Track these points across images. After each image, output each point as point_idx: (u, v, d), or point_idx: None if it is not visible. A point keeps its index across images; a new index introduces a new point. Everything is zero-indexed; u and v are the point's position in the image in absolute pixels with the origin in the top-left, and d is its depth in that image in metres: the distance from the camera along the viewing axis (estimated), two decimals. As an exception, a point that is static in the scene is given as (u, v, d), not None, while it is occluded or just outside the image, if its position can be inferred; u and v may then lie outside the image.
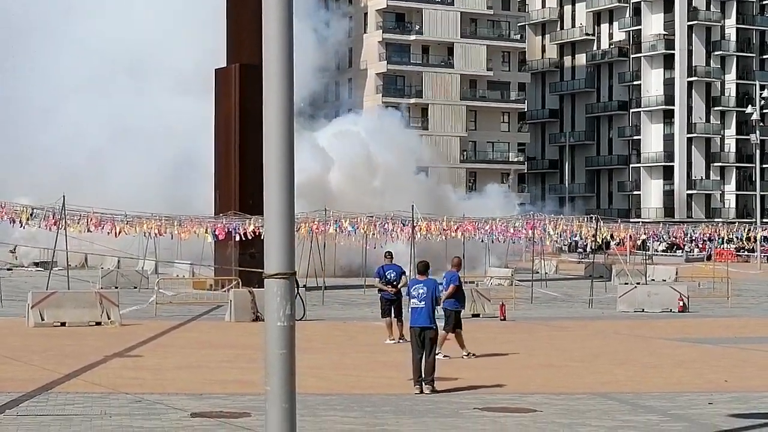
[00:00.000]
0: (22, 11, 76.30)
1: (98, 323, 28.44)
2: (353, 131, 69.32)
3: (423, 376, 16.84)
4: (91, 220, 42.24)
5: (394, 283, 24.84)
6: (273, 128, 9.46)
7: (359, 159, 65.61)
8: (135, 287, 45.98)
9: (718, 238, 59.06)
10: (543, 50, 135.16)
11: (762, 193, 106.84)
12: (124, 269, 51.57)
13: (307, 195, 49.11)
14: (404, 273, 25.64)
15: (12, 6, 76.31)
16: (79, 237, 44.23)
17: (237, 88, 46.16)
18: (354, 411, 15.05)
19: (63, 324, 28.10)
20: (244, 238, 42.83)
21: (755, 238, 64.87)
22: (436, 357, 17.89)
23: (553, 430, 13.70)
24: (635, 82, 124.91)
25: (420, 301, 16.77)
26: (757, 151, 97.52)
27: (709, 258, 79.90)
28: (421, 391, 16.79)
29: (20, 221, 41.41)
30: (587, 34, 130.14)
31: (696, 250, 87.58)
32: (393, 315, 24.90)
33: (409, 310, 17.09)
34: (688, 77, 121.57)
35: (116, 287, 40.90)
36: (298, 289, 9.55)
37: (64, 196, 38.93)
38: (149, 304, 34.26)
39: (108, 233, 44.07)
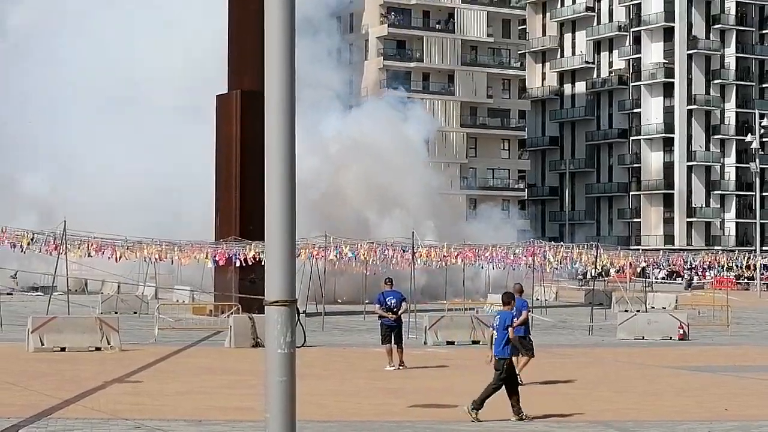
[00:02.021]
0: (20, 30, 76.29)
1: (98, 348, 28.42)
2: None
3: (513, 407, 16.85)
4: (91, 245, 42.32)
5: (395, 309, 24.84)
6: (274, 155, 9.49)
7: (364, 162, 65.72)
8: (135, 312, 45.91)
9: (718, 266, 59.11)
10: (543, 78, 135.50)
11: (762, 221, 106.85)
12: (124, 294, 51.54)
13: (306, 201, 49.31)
14: (404, 299, 25.65)
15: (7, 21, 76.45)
16: (79, 262, 44.31)
17: (238, 114, 46.27)
18: (354, 438, 15.03)
19: (63, 349, 28.08)
20: (244, 264, 42.86)
21: (755, 266, 64.95)
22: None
23: (552, 458, 13.69)
24: (635, 110, 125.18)
25: (496, 332, 16.99)
26: (757, 179, 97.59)
27: (689, 286, 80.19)
28: (475, 419, 16.68)
29: (21, 246, 41.48)
30: (587, 63, 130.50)
31: (696, 277, 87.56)
32: (393, 341, 24.87)
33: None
34: (687, 105, 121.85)
35: (116, 312, 40.87)
36: (298, 316, 9.55)
37: (65, 221, 38.99)
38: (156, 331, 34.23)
39: (108, 258, 44.16)
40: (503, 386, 16.97)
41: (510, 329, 16.93)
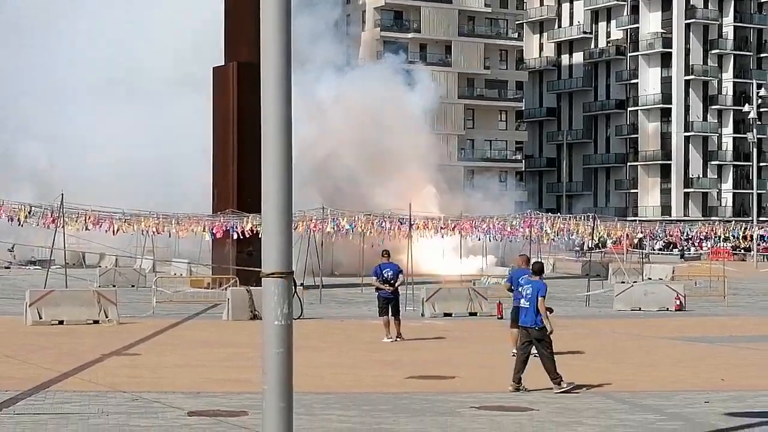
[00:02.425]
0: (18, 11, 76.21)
1: (96, 321, 28.47)
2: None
3: (551, 377, 16.84)
4: (89, 218, 42.28)
5: (392, 281, 24.88)
6: (271, 127, 9.49)
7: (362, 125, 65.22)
8: (133, 285, 46.01)
9: (715, 237, 59.14)
10: (541, 48, 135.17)
11: (759, 191, 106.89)
12: (122, 267, 51.58)
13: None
14: (401, 271, 25.68)
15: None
16: (77, 235, 44.30)
17: (235, 87, 46.16)
18: (351, 410, 15.09)
19: (61, 322, 28.14)
20: (241, 237, 42.87)
21: (752, 236, 64.98)
22: (513, 356, 18.80)
23: (549, 429, 13.75)
24: (633, 81, 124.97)
25: (527, 302, 16.91)
26: (754, 150, 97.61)
27: (682, 256, 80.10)
28: (517, 390, 16.76)
29: (18, 219, 41.45)
30: (585, 33, 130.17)
31: (692, 248, 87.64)
32: (390, 313, 24.94)
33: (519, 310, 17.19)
34: (685, 76, 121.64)
35: (114, 285, 40.91)
36: (295, 288, 9.57)
37: (62, 194, 38.95)
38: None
39: (106, 231, 44.14)
40: (529, 354, 16.95)
41: (541, 300, 16.79)
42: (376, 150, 65.85)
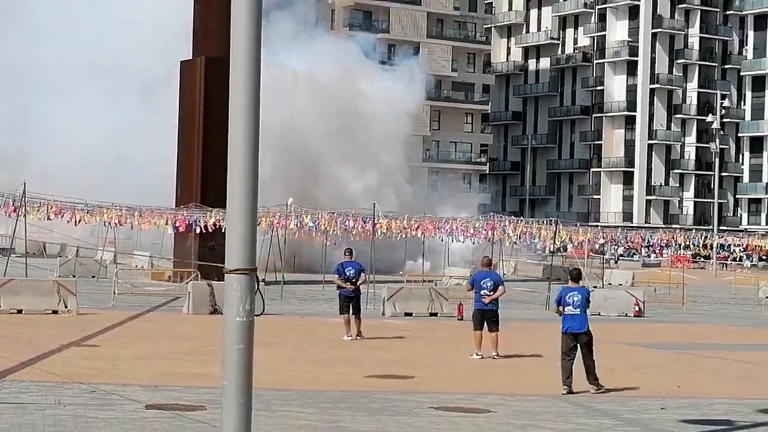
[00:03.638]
0: None
1: (55, 312, 28.34)
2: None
3: (588, 378, 17.28)
4: (51, 207, 42.06)
5: (353, 280, 24.91)
6: (239, 122, 9.49)
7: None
8: (93, 276, 45.80)
9: (675, 245, 59.55)
10: (508, 53, 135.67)
11: (720, 201, 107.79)
12: (83, 258, 51.33)
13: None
14: (363, 270, 25.72)
15: None
16: (39, 224, 44.04)
17: (202, 81, 46.05)
18: (310, 407, 15.10)
19: (20, 311, 27.99)
20: (204, 231, 42.78)
21: (712, 245, 65.52)
22: (472, 357, 20.81)
23: (507, 431, 13.82)
24: (598, 88, 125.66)
25: (576, 308, 17.25)
26: (717, 160, 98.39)
27: (616, 261, 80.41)
28: (569, 392, 17.10)
29: (-21, 207, 41.14)
30: (552, 39, 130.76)
31: (653, 255, 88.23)
32: (351, 312, 24.97)
33: (563, 317, 17.45)
34: (650, 84, 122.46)
35: (74, 276, 40.69)
36: (258, 285, 9.59)
37: (24, 183, 38.72)
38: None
39: (68, 221, 43.92)
40: (574, 359, 17.35)
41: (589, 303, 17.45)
42: (342, 133, 65.07)
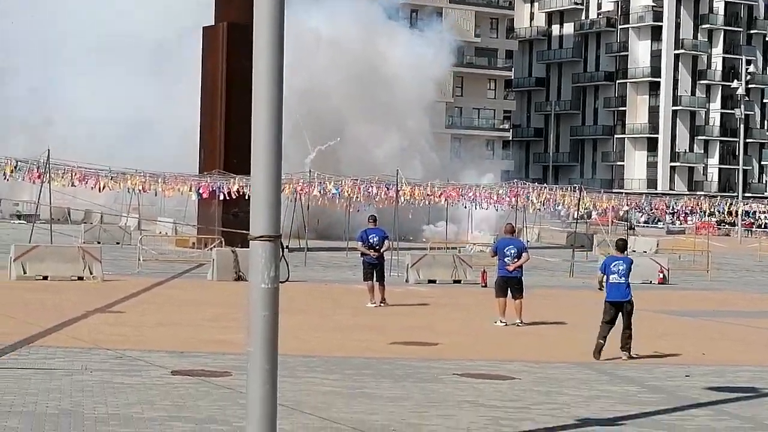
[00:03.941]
0: None
1: (80, 278, 28.47)
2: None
3: (622, 344, 17.50)
4: (75, 174, 42.20)
5: (377, 247, 24.87)
6: (262, 89, 9.46)
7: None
8: (117, 243, 45.97)
9: (700, 212, 59.29)
10: (531, 18, 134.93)
11: (745, 167, 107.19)
12: (107, 225, 51.52)
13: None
14: (387, 237, 25.66)
15: None
16: (63, 191, 44.23)
17: (224, 47, 45.94)
18: (334, 373, 15.14)
19: (45, 278, 28.13)
20: (228, 198, 42.84)
21: (736, 212, 65.18)
22: (496, 324, 21.04)
23: (530, 398, 13.82)
24: (622, 53, 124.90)
25: (620, 277, 17.44)
26: (741, 126, 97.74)
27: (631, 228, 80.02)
28: (599, 358, 17.33)
29: (4, 173, 41.34)
30: (576, 3, 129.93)
31: (677, 222, 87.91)
32: (375, 279, 24.95)
33: (607, 285, 17.63)
34: (675, 50, 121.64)
35: (99, 242, 40.85)
36: (283, 252, 9.58)
37: (48, 150, 38.83)
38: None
39: (92, 188, 44.06)
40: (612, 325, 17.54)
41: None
42: (374, 95, 64.54)
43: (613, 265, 17.67)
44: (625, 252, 18.29)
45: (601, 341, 17.47)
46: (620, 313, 17.54)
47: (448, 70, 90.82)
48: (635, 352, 17.71)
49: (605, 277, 17.68)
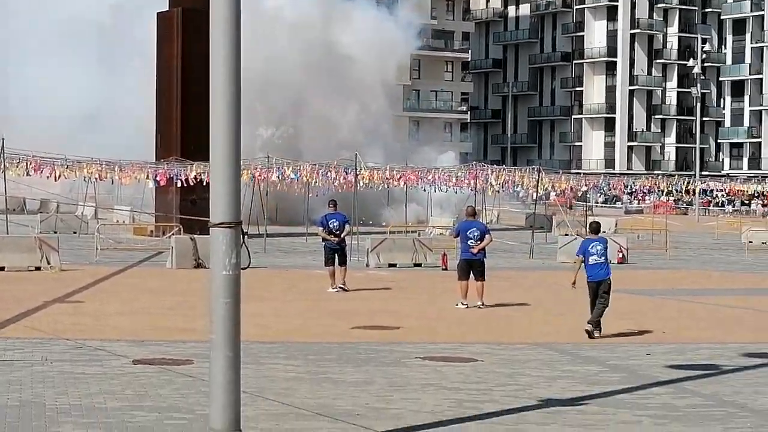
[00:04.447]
0: None
1: (38, 268, 28.26)
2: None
3: (591, 318, 18.10)
4: (30, 163, 41.85)
5: (337, 232, 24.78)
6: (220, 75, 9.41)
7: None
8: (74, 232, 45.64)
9: (658, 191, 59.71)
10: (487, 0, 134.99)
11: (702, 146, 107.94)
12: (63, 214, 51.15)
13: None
14: (348, 222, 25.62)
15: None
16: (18, 180, 43.85)
17: (179, 33, 45.65)
18: (297, 359, 15.11)
19: (2, 269, 27.91)
20: (185, 185, 42.64)
21: (694, 191, 65.68)
22: (457, 307, 21.29)
23: (493, 380, 13.85)
24: (578, 34, 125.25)
25: (600, 257, 17.98)
26: (698, 105, 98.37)
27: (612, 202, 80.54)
28: (600, 335, 17.91)
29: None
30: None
31: (635, 202, 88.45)
32: (337, 263, 24.88)
33: (587, 267, 18.09)
34: (630, 29, 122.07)
35: (55, 232, 40.57)
36: (244, 238, 9.54)
37: (2, 139, 38.47)
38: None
39: (48, 177, 43.72)
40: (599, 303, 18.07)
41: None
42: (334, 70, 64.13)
43: (591, 246, 18.14)
44: (599, 233, 18.73)
45: (592, 323, 18.01)
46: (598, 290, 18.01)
47: (411, 53, 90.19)
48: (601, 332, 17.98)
49: (585, 258, 18.07)
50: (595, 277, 18.05)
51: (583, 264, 18.13)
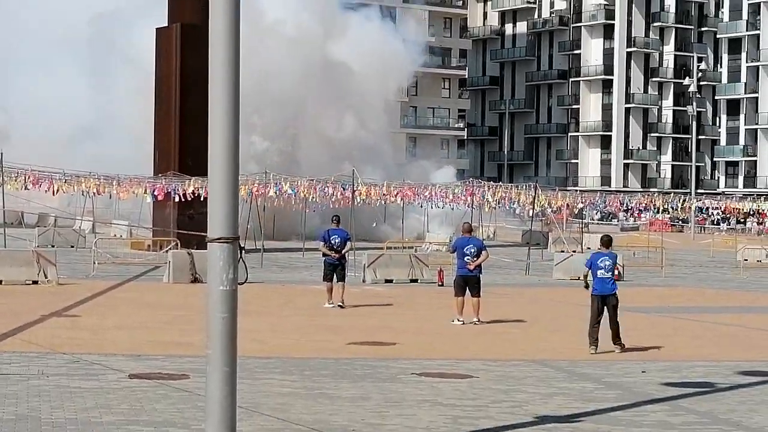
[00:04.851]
0: None
1: (35, 282, 28.26)
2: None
3: (613, 338, 18.28)
4: (29, 177, 41.89)
5: (338, 248, 24.73)
6: (218, 90, 9.45)
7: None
8: (72, 246, 45.64)
9: (654, 208, 59.77)
10: (485, 17, 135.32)
11: (698, 164, 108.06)
12: (61, 228, 51.14)
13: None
14: (349, 239, 25.52)
15: None
16: (16, 194, 43.87)
17: (178, 48, 45.77)
18: (293, 374, 15.13)
19: (-1, 282, 27.90)
20: (183, 199, 42.68)
21: (690, 208, 65.73)
22: (453, 323, 21.38)
23: (489, 396, 13.87)
24: (575, 52, 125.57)
25: (607, 272, 18.23)
26: (694, 123, 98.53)
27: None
28: (596, 352, 17.96)
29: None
30: (529, 2, 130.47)
31: (631, 219, 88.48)
32: (336, 279, 24.81)
33: (594, 280, 18.36)
34: (627, 48, 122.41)
35: (53, 246, 40.56)
36: (241, 253, 9.57)
37: (1, 153, 38.52)
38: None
39: (46, 191, 43.75)
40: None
41: (618, 267, 18.69)
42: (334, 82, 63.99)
43: (599, 261, 18.33)
44: (610, 247, 18.86)
45: (593, 345, 18.10)
46: (605, 308, 18.19)
47: (414, 71, 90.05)
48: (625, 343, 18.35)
49: (592, 272, 18.31)
50: (601, 291, 18.25)
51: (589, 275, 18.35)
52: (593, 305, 18.25)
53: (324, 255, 25.05)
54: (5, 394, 12.87)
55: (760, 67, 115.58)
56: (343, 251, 24.84)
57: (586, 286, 18.50)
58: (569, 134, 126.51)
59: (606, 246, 18.74)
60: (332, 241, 24.73)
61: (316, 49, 63.39)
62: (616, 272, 18.61)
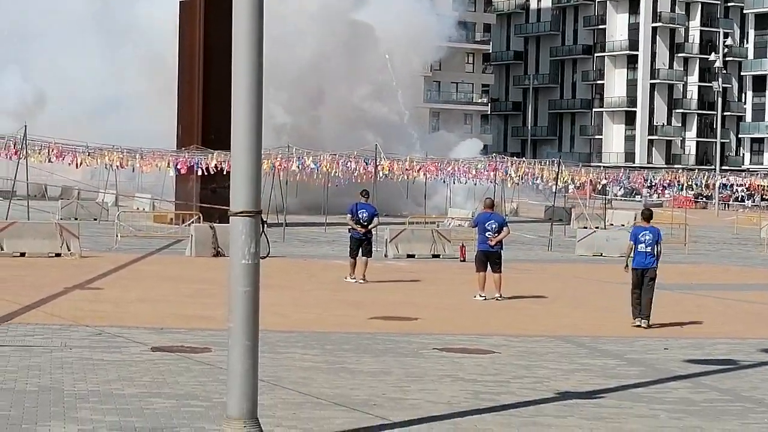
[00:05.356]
0: None
1: (58, 255, 28.37)
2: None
3: (641, 311, 18.57)
4: (52, 150, 42.00)
5: (364, 223, 24.63)
6: (242, 64, 9.42)
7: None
8: (95, 219, 45.80)
9: (678, 185, 59.50)
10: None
11: (722, 140, 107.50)
12: (84, 201, 51.32)
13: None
14: (377, 214, 25.31)
15: None
16: (40, 167, 44.02)
17: (202, 21, 45.70)
18: (314, 348, 15.15)
19: (22, 254, 28.02)
20: (206, 173, 42.72)
21: (714, 185, 65.46)
22: (475, 299, 21.41)
23: (510, 372, 13.86)
24: (600, 26, 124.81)
25: (647, 246, 18.62)
26: (719, 99, 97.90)
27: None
28: (639, 326, 18.35)
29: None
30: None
31: (655, 195, 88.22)
32: (361, 254, 24.72)
33: (635, 253, 18.73)
34: (652, 23, 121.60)
35: (76, 219, 40.70)
36: (263, 227, 9.56)
37: (25, 126, 38.62)
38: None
39: (69, 164, 43.87)
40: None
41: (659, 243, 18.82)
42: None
43: (641, 234, 18.76)
44: (651, 222, 19.18)
45: (635, 308, 18.53)
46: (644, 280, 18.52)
47: (442, 46, 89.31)
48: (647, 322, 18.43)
49: (634, 245, 18.68)
50: (638, 265, 18.61)
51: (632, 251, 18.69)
52: (633, 278, 18.66)
53: (350, 229, 24.94)
54: (29, 366, 12.93)
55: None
56: (369, 226, 24.74)
57: (626, 267, 18.82)
58: (593, 110, 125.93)
59: (647, 220, 19.17)
60: (359, 215, 24.65)
61: (342, 20, 62.99)
62: (657, 248, 18.78)
